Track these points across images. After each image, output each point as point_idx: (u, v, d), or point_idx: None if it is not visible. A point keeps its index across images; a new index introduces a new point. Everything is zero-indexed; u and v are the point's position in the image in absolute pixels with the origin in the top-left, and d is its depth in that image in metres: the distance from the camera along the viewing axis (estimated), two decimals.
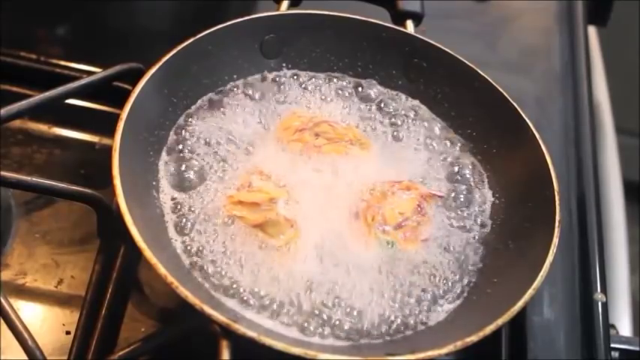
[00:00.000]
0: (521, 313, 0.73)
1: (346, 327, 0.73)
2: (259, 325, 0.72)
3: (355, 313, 0.74)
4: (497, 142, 0.86)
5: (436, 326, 0.74)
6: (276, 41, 0.89)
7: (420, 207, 0.81)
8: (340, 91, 0.90)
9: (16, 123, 0.92)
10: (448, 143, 0.88)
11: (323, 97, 0.89)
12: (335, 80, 0.91)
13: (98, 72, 0.89)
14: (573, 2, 1.18)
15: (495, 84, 0.87)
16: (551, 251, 0.74)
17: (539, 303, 0.86)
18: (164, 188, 0.79)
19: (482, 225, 0.82)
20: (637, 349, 0.88)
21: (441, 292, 0.76)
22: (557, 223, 0.76)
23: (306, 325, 0.72)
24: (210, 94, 0.87)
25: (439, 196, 0.83)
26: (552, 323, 0.86)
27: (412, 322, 0.74)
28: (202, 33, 0.84)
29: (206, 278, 0.74)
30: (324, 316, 0.73)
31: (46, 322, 0.82)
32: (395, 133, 0.88)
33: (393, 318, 0.74)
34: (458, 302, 0.76)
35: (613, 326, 0.91)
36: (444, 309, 0.76)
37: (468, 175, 0.85)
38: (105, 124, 0.82)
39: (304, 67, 0.91)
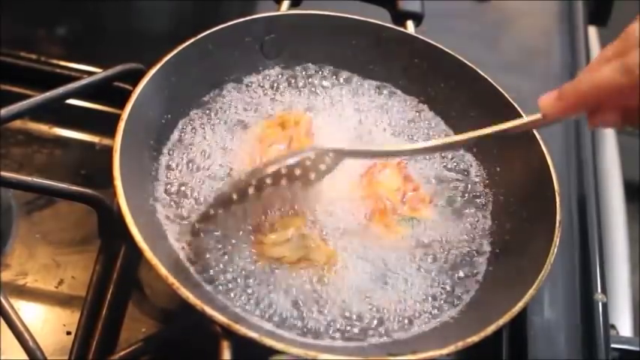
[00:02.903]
0: (522, 314, 0.73)
1: (346, 327, 0.73)
2: (259, 326, 0.72)
3: (355, 312, 0.74)
4: (498, 142, 0.86)
5: (437, 326, 0.74)
6: (276, 41, 0.89)
7: (405, 175, 0.83)
8: (340, 91, 0.90)
9: (17, 123, 0.92)
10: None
11: (323, 97, 0.89)
12: (335, 80, 0.91)
13: (99, 72, 0.89)
14: (573, 2, 1.18)
15: (495, 84, 0.87)
16: (551, 251, 0.74)
17: (540, 303, 0.86)
18: (164, 188, 0.79)
19: (483, 225, 0.82)
20: (637, 349, 0.88)
21: (441, 293, 0.77)
22: (557, 224, 0.76)
23: (307, 324, 0.73)
24: (211, 94, 0.87)
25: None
26: (553, 323, 0.86)
27: (413, 322, 0.74)
28: (203, 33, 0.84)
29: (206, 278, 0.74)
30: (326, 318, 0.73)
31: (47, 323, 0.82)
32: (395, 134, 0.88)
33: (392, 318, 0.74)
34: (459, 303, 0.76)
35: (613, 326, 0.91)
36: (445, 309, 0.76)
37: (468, 176, 0.85)
38: (105, 125, 0.82)
39: (304, 67, 0.91)
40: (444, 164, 0.86)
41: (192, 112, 0.85)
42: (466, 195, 0.84)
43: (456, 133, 0.88)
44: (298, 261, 0.76)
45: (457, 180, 0.85)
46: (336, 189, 0.81)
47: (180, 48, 0.83)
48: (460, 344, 0.68)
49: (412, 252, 0.79)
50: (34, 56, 1.00)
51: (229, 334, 0.66)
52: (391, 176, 0.83)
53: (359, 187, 0.82)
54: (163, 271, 0.67)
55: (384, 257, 0.78)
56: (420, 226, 0.81)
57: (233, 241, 0.76)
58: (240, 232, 0.77)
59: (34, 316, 0.82)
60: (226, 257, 0.75)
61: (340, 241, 0.78)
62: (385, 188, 0.82)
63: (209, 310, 0.66)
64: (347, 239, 0.78)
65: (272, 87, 0.89)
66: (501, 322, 0.70)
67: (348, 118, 0.88)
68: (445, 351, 0.68)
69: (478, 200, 0.84)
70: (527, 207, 0.81)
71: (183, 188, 0.79)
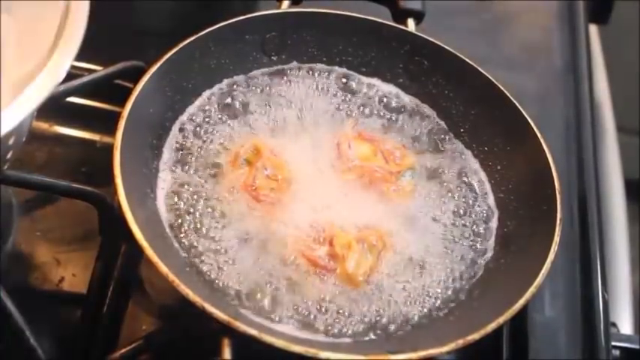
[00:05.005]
0: (523, 311, 0.73)
1: (348, 325, 0.73)
2: (260, 323, 0.72)
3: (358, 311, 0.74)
4: (498, 140, 0.86)
5: (438, 324, 0.74)
6: (277, 39, 0.89)
7: (369, 139, 0.85)
8: (340, 89, 0.90)
9: None
10: (449, 141, 0.88)
11: (323, 95, 0.89)
12: (335, 78, 0.91)
13: (99, 70, 0.89)
14: (574, 1, 1.18)
15: (496, 82, 0.87)
16: (552, 250, 0.74)
17: (541, 301, 0.86)
18: (165, 186, 0.79)
19: (483, 224, 0.82)
20: (638, 347, 0.88)
21: (442, 291, 0.77)
22: (558, 222, 0.76)
23: (307, 322, 0.73)
24: (212, 92, 0.87)
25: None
26: (553, 321, 0.86)
27: (413, 320, 0.74)
28: (204, 31, 0.84)
29: (205, 276, 0.74)
30: (327, 315, 0.73)
31: (47, 321, 0.82)
32: (395, 132, 0.88)
33: (394, 316, 0.74)
34: (459, 300, 0.76)
35: (614, 324, 0.91)
36: (445, 307, 0.76)
37: (469, 174, 0.85)
38: (106, 123, 0.82)
39: (305, 65, 0.91)
40: (443, 157, 0.87)
41: (192, 109, 0.85)
42: (466, 194, 0.84)
43: (456, 131, 0.88)
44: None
45: (456, 180, 0.85)
46: (329, 187, 0.82)
47: (180, 46, 0.83)
48: (461, 342, 0.68)
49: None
50: None
51: (229, 331, 0.66)
52: (361, 147, 0.84)
53: (345, 173, 0.83)
54: (164, 268, 0.67)
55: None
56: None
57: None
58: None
59: (34, 314, 0.82)
60: (227, 257, 0.76)
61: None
62: (365, 160, 0.83)
63: (209, 307, 0.66)
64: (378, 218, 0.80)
65: (273, 84, 0.89)
66: (502, 320, 0.70)
67: (346, 118, 0.88)
68: (445, 349, 0.68)
69: (478, 199, 0.84)
70: (527, 205, 0.81)
71: (183, 186, 0.80)
